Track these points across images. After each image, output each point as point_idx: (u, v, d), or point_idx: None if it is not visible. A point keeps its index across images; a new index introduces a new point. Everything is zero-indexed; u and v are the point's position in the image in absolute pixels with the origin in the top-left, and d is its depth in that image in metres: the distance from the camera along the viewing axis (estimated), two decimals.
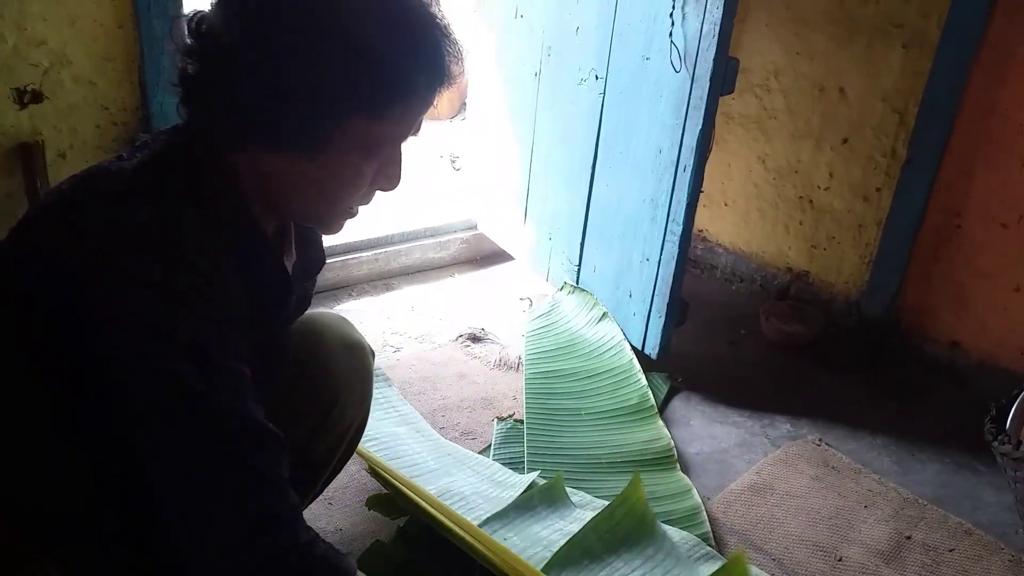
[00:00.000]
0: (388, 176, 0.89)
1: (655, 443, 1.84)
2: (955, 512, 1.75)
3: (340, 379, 1.17)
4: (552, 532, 1.43)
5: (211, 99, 0.81)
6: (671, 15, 1.86)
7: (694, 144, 1.88)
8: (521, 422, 1.87)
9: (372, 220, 2.47)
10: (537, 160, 2.48)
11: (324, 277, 1.67)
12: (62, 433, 0.81)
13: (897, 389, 2.23)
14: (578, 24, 2.20)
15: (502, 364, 2.16)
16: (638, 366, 2.05)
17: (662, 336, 2.08)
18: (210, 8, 0.79)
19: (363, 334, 1.25)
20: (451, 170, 3.54)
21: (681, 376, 2.17)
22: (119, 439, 0.78)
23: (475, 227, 2.83)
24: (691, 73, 1.85)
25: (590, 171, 2.25)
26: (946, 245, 2.26)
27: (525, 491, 1.51)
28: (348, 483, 1.62)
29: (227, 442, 0.77)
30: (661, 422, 1.91)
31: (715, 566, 1.48)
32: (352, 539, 1.50)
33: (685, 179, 1.92)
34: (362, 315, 2.34)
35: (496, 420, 1.89)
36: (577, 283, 2.39)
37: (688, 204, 1.94)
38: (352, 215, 0.92)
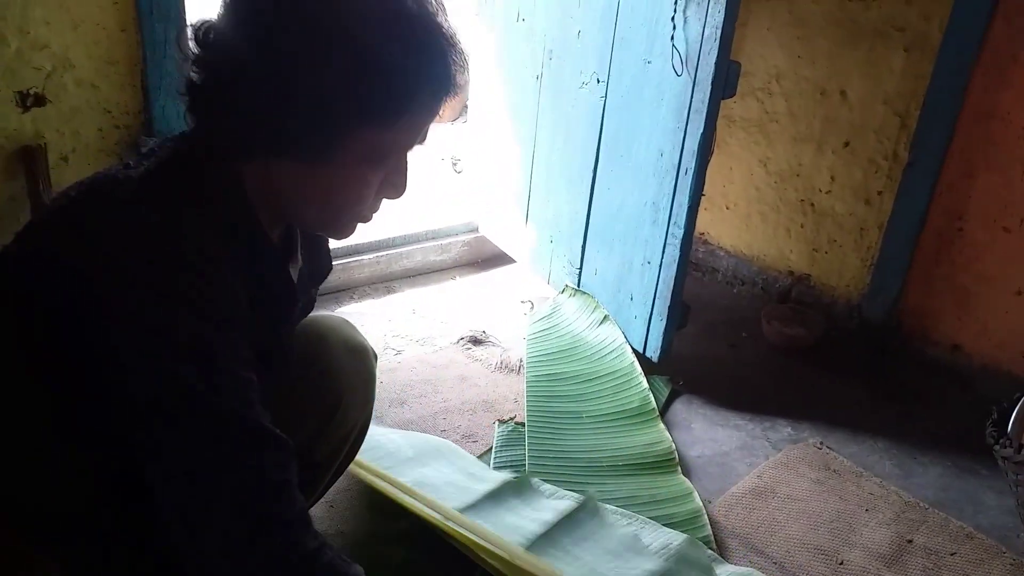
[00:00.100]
0: (394, 185, 0.90)
1: (656, 446, 1.84)
2: (957, 516, 1.75)
3: (344, 381, 1.18)
4: (527, 521, 1.46)
5: (218, 108, 0.81)
6: (672, 19, 1.86)
7: (695, 147, 1.88)
8: (522, 425, 1.87)
9: (373, 223, 2.46)
10: (538, 163, 2.48)
11: (325, 280, 1.67)
12: (62, 433, 0.81)
13: (898, 392, 2.23)
14: (580, 28, 2.20)
15: (503, 367, 2.16)
16: (639, 369, 2.05)
17: (663, 339, 2.09)
18: (217, 17, 0.80)
19: (365, 337, 1.26)
20: (452, 173, 3.54)
21: (682, 379, 2.17)
22: (119, 439, 0.78)
23: (476, 230, 2.83)
24: (692, 77, 1.85)
25: (591, 174, 2.25)
26: (948, 248, 2.26)
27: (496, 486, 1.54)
28: (350, 486, 1.62)
29: (227, 443, 0.77)
30: (662, 425, 1.91)
31: (717, 569, 1.48)
32: (354, 542, 1.50)
33: (686, 182, 1.92)
34: (363, 318, 2.34)
35: (497, 423, 1.89)
36: (578, 286, 2.39)
37: (689, 207, 1.94)
38: (365, 220, 0.93)
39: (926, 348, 2.35)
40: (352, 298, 2.48)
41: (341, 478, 1.36)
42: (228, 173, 0.85)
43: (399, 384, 2.03)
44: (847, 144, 2.42)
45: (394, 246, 2.64)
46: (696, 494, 1.70)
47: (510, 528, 1.43)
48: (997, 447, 1.67)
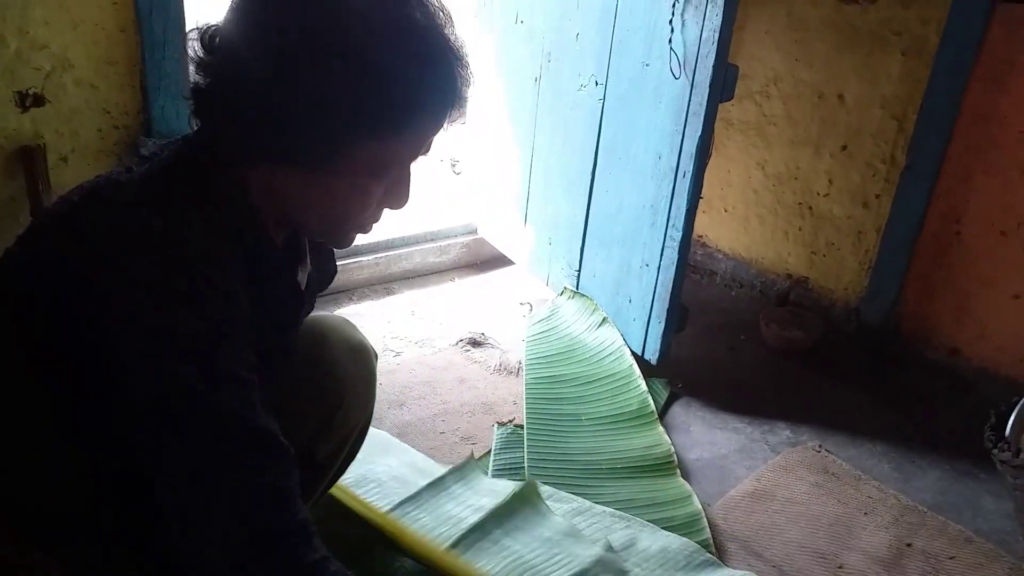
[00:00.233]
0: (396, 196, 0.89)
1: (655, 449, 1.84)
2: (955, 519, 1.75)
3: (345, 381, 1.18)
4: (463, 508, 1.49)
5: (223, 113, 0.81)
6: (671, 22, 1.87)
7: (693, 150, 1.88)
8: (521, 427, 1.87)
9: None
10: (537, 165, 2.48)
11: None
12: (62, 433, 0.81)
13: (897, 396, 2.23)
14: (578, 30, 2.20)
15: (502, 369, 2.16)
16: (638, 371, 2.05)
17: (662, 342, 2.09)
18: (223, 21, 0.79)
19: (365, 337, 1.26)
20: (451, 174, 3.54)
21: (681, 382, 2.17)
22: (119, 439, 0.77)
23: (475, 231, 2.83)
24: (691, 79, 1.85)
25: (590, 176, 2.25)
26: (946, 252, 2.26)
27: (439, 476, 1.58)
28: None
29: (227, 443, 0.76)
30: (661, 428, 1.91)
31: (716, 573, 1.48)
32: (350, 544, 1.49)
33: (685, 185, 1.92)
34: (362, 319, 2.34)
35: (496, 425, 1.89)
36: (577, 288, 2.39)
37: (688, 210, 1.94)
38: (364, 231, 0.93)
39: (924, 351, 2.35)
40: (351, 299, 2.48)
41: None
42: (233, 178, 0.85)
43: (398, 386, 2.03)
44: (845, 147, 2.42)
45: (393, 247, 2.64)
46: (695, 497, 1.70)
47: (446, 519, 1.46)
48: (995, 451, 1.67)
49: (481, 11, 2.62)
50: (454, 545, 1.39)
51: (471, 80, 0.85)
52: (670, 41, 1.88)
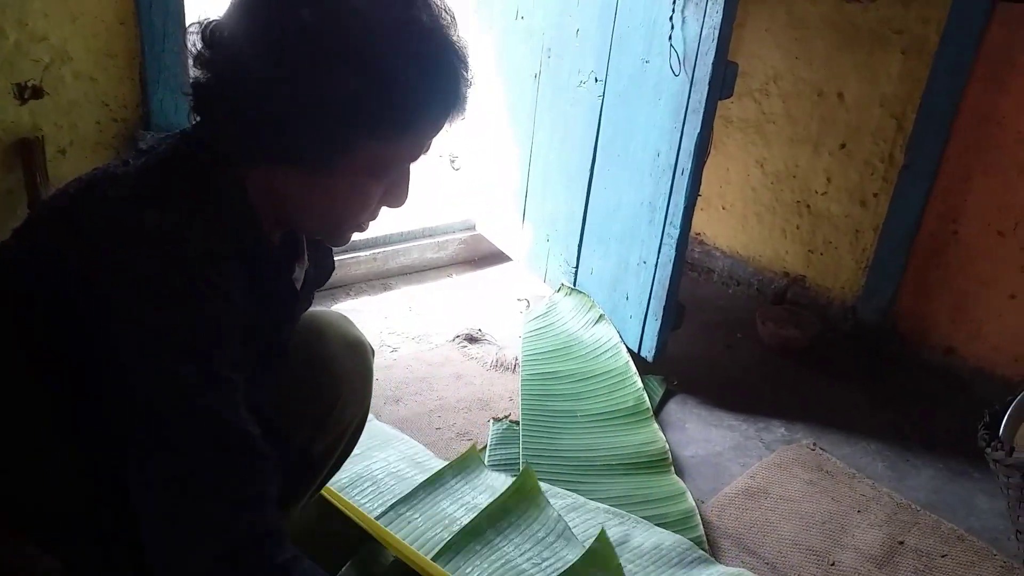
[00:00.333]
0: (395, 195, 0.90)
1: (650, 446, 1.84)
2: (948, 518, 1.75)
3: (342, 378, 1.17)
4: (458, 508, 1.50)
5: (223, 112, 0.80)
6: (671, 19, 1.87)
7: (692, 147, 1.88)
8: (517, 423, 1.87)
9: None
10: (536, 161, 2.48)
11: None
12: (62, 433, 0.81)
13: (892, 394, 2.24)
14: (578, 26, 2.20)
15: (499, 365, 2.17)
16: (634, 369, 2.05)
17: (658, 339, 2.09)
18: (225, 17, 0.78)
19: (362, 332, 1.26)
20: (450, 170, 3.54)
21: (677, 379, 2.17)
22: (119, 439, 0.78)
23: (473, 228, 2.84)
24: (690, 77, 1.85)
25: (588, 173, 2.26)
26: (943, 251, 2.26)
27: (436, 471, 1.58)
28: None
29: (214, 444, 0.75)
30: (656, 425, 1.91)
31: (709, 570, 1.49)
32: (346, 540, 1.49)
33: (683, 182, 1.93)
34: (360, 315, 2.34)
35: (492, 421, 1.89)
36: (574, 285, 2.39)
37: (686, 207, 1.94)
38: (361, 229, 0.93)
39: (920, 351, 2.36)
40: (348, 295, 2.48)
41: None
42: (231, 176, 0.84)
43: (395, 381, 2.03)
44: (843, 146, 2.43)
45: (391, 243, 2.64)
46: (689, 494, 1.71)
47: (439, 520, 1.46)
48: (989, 450, 1.67)
49: (481, 7, 2.61)
50: (440, 554, 1.38)
51: (472, 81, 0.85)
52: (670, 38, 1.88)
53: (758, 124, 2.64)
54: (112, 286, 0.74)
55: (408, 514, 1.48)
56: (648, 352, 2.12)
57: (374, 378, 1.28)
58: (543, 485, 1.62)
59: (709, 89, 1.82)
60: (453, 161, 3.56)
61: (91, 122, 1.90)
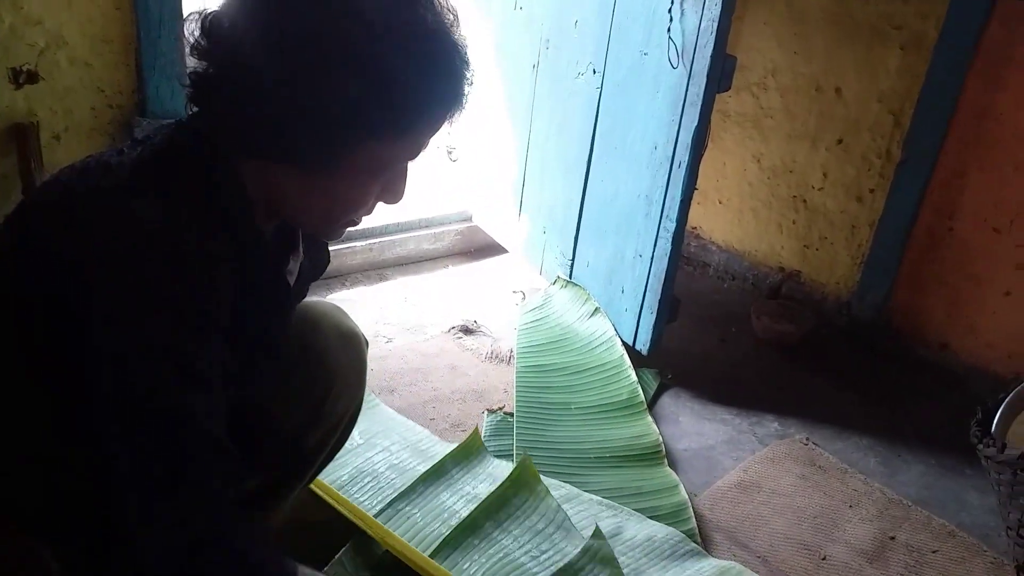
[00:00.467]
0: (393, 191, 0.89)
1: (643, 439, 1.84)
2: (939, 513, 1.76)
3: (335, 370, 1.17)
4: (458, 499, 1.50)
5: (221, 105, 0.79)
6: (670, 11, 1.86)
7: (689, 141, 1.88)
8: (511, 415, 1.87)
9: None
10: (533, 153, 2.48)
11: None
12: (62, 434, 0.80)
13: (886, 390, 2.24)
14: (577, 17, 2.19)
15: (494, 357, 2.17)
16: (628, 362, 2.05)
17: (653, 332, 2.09)
18: (224, 8, 0.77)
19: (356, 323, 1.26)
20: (447, 161, 3.53)
21: (671, 372, 2.18)
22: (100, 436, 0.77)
23: (470, 219, 2.83)
24: (688, 69, 1.85)
25: (586, 165, 2.25)
26: (938, 248, 2.27)
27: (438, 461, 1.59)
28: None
29: (188, 445, 0.75)
30: (650, 418, 1.91)
31: (701, 563, 1.49)
32: (338, 532, 1.49)
33: (680, 176, 1.92)
34: (355, 305, 2.34)
35: (486, 412, 1.89)
36: (570, 277, 2.39)
37: (682, 201, 1.94)
38: (356, 224, 0.92)
39: (914, 347, 2.36)
40: (344, 285, 2.48)
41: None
42: (227, 170, 0.83)
43: (389, 372, 2.03)
44: (841, 141, 2.42)
45: (387, 233, 2.64)
46: (682, 487, 1.71)
47: (439, 514, 1.47)
48: (981, 446, 1.68)
49: None
50: (437, 551, 1.38)
51: (473, 80, 0.84)
52: (669, 30, 1.88)
53: (756, 118, 2.64)
54: (102, 281, 0.73)
55: (407, 510, 1.47)
56: (643, 345, 2.13)
57: (368, 369, 1.28)
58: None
59: (707, 82, 1.81)
60: (450, 152, 3.55)
61: (86, 108, 1.89)
